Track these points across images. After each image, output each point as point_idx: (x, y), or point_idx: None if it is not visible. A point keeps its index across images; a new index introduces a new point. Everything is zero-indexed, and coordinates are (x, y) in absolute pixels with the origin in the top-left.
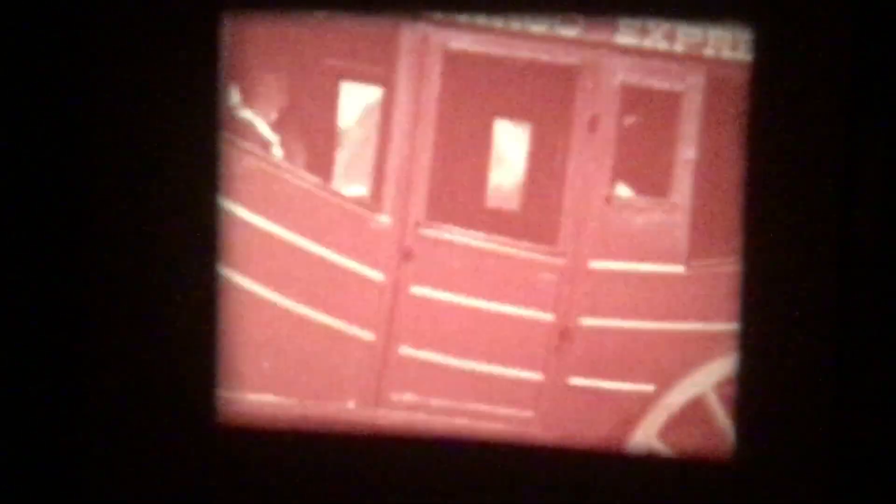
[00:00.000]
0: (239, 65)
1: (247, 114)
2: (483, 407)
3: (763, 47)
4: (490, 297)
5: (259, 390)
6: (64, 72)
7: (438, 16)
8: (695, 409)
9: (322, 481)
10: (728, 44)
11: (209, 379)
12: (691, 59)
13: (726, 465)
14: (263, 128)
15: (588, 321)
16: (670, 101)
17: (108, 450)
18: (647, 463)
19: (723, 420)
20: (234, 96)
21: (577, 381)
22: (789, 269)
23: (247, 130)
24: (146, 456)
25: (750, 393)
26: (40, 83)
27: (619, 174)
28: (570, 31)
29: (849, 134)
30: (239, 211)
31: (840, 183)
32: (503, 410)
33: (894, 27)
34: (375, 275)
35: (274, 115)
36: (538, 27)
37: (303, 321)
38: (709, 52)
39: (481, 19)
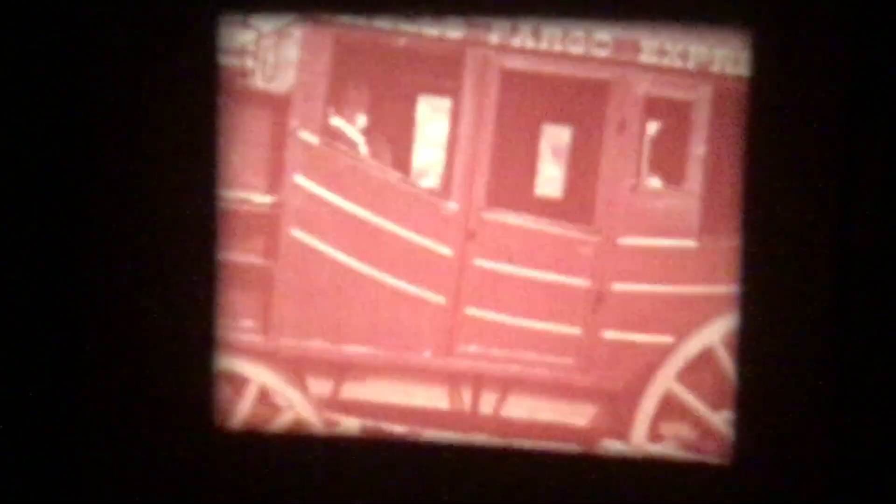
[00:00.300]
0: (328, 77)
1: (337, 120)
2: (532, 356)
3: (761, 50)
4: (538, 267)
5: (355, 344)
6: (62, 74)
7: (496, 40)
8: (706, 356)
9: (320, 485)
10: (731, 62)
11: (207, 383)
12: (701, 74)
13: (725, 466)
14: (352, 132)
15: (618, 286)
16: (685, 109)
17: (107, 454)
18: (646, 464)
19: (728, 364)
20: (324, 104)
21: (610, 334)
22: (787, 260)
23: (338, 134)
24: (145, 460)
25: (748, 395)
26: (39, 85)
27: (644, 168)
28: (602, 53)
29: (846, 129)
30: (336, 199)
31: (837, 176)
32: (548, 359)
33: (892, 28)
34: (446, 250)
35: (361, 121)
36: (576, 49)
37: (388, 289)
38: (715, 68)
39: (531, 42)
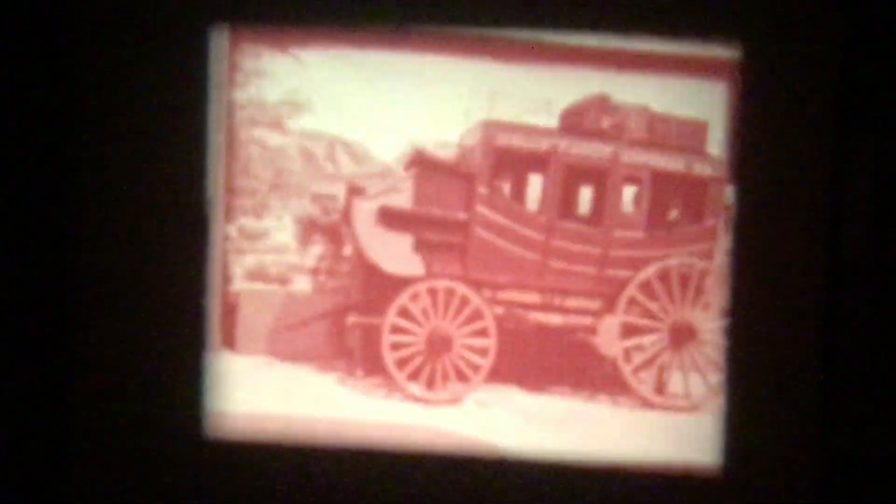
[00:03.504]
0: (494, 162)
1: (497, 181)
2: (577, 279)
3: (751, 63)
4: (579, 243)
5: (503, 273)
6: (53, 83)
7: (562, 149)
8: (647, 280)
9: (310, 494)
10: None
11: (198, 393)
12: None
13: (715, 478)
14: (504, 186)
15: (612, 252)
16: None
17: (98, 464)
18: (636, 476)
19: (658, 287)
20: (490, 174)
21: (608, 271)
22: (776, 270)
23: (497, 187)
24: (136, 471)
25: (738, 406)
26: (29, 95)
27: (625, 202)
28: (606, 155)
29: (835, 142)
30: (493, 216)
31: (826, 189)
32: (580, 283)
33: (882, 40)
34: (539, 237)
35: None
36: (598, 155)
37: (511, 251)
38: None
39: (577, 152)
